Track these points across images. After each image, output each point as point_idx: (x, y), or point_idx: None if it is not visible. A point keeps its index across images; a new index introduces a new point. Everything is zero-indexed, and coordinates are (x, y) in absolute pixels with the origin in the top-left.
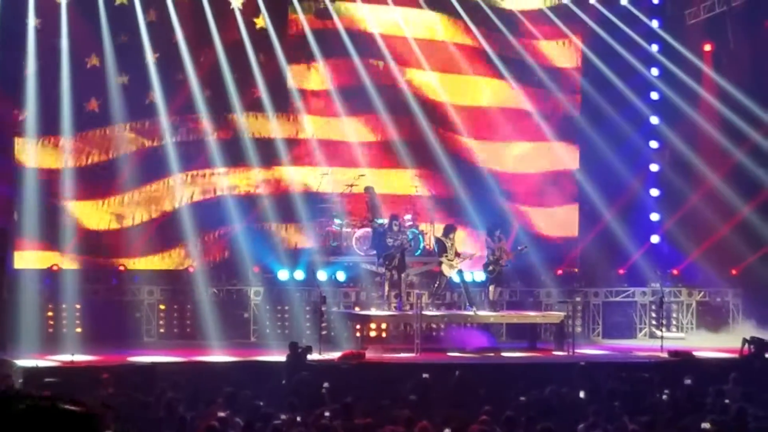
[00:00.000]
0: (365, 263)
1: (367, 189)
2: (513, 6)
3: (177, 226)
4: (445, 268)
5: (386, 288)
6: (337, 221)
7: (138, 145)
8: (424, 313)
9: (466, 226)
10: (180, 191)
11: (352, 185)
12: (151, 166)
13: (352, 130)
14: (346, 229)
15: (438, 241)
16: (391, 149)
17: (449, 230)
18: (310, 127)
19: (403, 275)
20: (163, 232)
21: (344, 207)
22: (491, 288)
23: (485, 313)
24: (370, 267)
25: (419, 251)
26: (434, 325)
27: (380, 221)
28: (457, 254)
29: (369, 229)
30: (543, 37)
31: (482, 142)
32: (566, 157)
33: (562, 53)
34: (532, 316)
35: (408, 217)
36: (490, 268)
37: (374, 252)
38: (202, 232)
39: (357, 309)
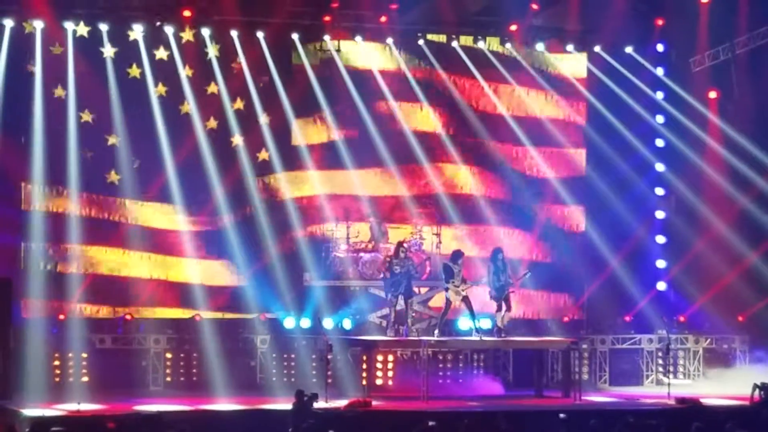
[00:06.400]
0: (373, 288)
1: (370, 217)
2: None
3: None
4: (451, 295)
5: (392, 315)
6: (342, 247)
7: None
8: (429, 338)
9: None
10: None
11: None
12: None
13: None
14: (351, 254)
15: (445, 266)
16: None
17: (457, 256)
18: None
19: (409, 301)
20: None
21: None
22: (498, 315)
23: (490, 339)
24: (377, 292)
25: (425, 276)
26: (441, 373)
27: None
28: (464, 280)
29: (376, 254)
30: (549, 85)
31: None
32: (573, 205)
33: (569, 102)
34: (537, 341)
35: (414, 242)
36: (497, 296)
37: (381, 276)
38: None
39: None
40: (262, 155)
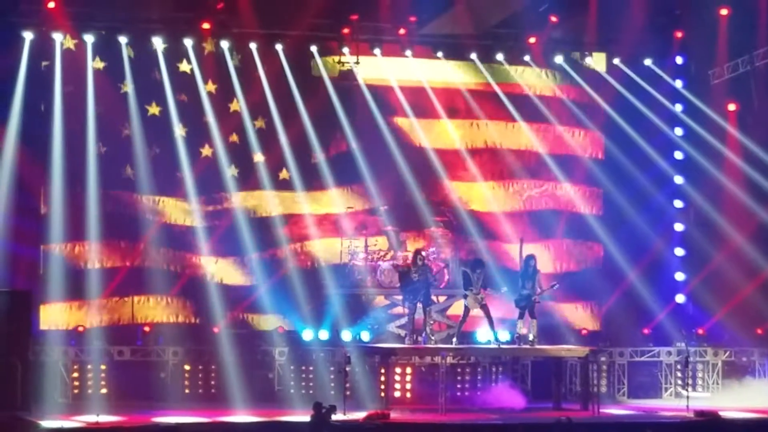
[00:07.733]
0: (391, 297)
1: (387, 227)
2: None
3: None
4: (470, 302)
5: (411, 323)
6: (361, 255)
7: (165, 219)
8: (447, 346)
9: None
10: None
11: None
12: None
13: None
14: (369, 263)
15: (464, 273)
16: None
17: (476, 265)
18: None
19: (428, 310)
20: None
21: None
22: (519, 323)
23: (508, 347)
24: (395, 299)
25: (443, 284)
26: (459, 385)
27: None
28: (483, 289)
29: (394, 262)
30: (567, 98)
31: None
32: (590, 214)
33: (587, 113)
34: (556, 349)
35: (432, 250)
36: (522, 304)
37: (398, 285)
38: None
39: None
40: (283, 174)
